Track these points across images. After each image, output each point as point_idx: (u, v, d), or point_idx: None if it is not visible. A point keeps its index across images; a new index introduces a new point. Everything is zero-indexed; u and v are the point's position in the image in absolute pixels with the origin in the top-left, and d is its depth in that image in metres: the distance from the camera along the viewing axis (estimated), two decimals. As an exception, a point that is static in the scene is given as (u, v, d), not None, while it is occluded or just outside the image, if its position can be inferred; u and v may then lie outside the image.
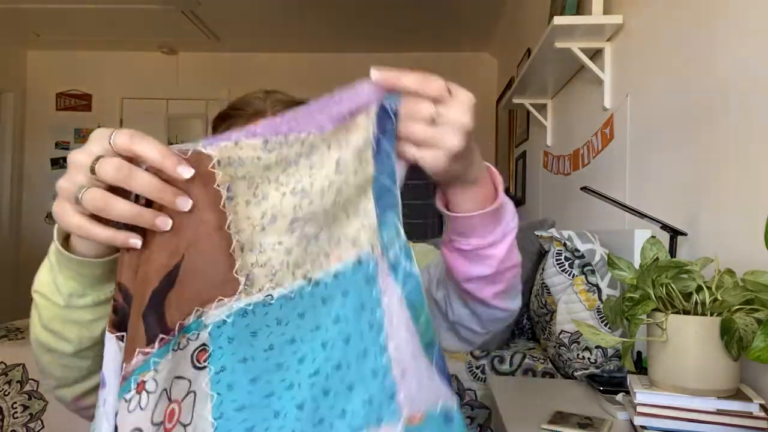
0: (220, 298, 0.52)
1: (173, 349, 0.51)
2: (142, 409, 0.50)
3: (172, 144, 0.51)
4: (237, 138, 0.51)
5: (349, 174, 0.53)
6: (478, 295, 0.73)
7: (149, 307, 0.50)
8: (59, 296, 0.59)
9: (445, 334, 0.82)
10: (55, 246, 0.57)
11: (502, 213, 0.67)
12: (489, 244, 0.67)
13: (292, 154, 0.52)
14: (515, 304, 0.77)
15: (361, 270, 0.54)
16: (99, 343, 0.60)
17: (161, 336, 0.50)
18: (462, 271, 0.70)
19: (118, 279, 0.51)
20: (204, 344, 0.52)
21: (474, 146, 0.59)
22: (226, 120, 0.92)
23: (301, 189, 0.52)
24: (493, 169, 0.67)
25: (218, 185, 0.51)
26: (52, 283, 0.59)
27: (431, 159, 0.54)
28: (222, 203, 0.51)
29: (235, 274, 0.52)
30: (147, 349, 0.50)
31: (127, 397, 0.50)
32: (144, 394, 0.50)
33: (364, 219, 0.54)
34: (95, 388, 0.65)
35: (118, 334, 0.52)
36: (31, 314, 0.63)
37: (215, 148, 0.50)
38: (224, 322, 0.52)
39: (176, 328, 0.51)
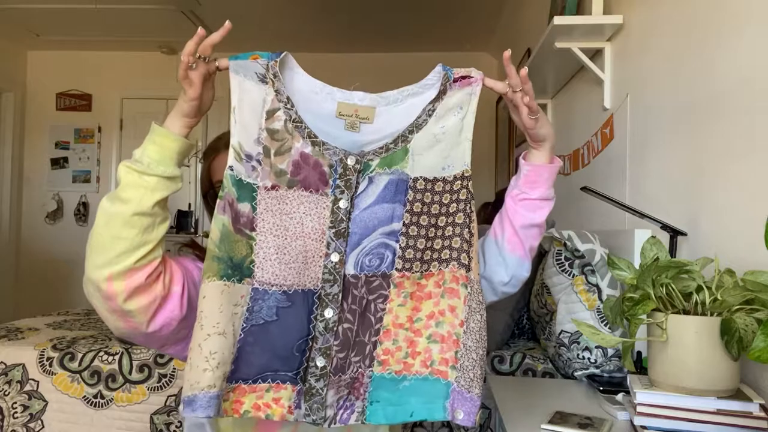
0: None
1: None
2: None
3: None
4: None
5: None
6: (525, 242, 1.00)
7: None
8: (140, 165, 0.82)
9: None
10: (154, 127, 0.85)
11: (554, 179, 1.03)
12: (547, 197, 1.01)
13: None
14: (529, 271, 1.04)
15: None
16: (149, 215, 0.82)
17: None
18: (523, 216, 0.99)
19: None
20: None
21: (541, 111, 0.97)
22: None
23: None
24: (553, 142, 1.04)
25: None
26: (137, 164, 0.83)
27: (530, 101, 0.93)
28: None
29: None
30: None
31: None
32: None
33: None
34: (130, 268, 0.82)
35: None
36: (100, 206, 0.83)
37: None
38: None
39: None
